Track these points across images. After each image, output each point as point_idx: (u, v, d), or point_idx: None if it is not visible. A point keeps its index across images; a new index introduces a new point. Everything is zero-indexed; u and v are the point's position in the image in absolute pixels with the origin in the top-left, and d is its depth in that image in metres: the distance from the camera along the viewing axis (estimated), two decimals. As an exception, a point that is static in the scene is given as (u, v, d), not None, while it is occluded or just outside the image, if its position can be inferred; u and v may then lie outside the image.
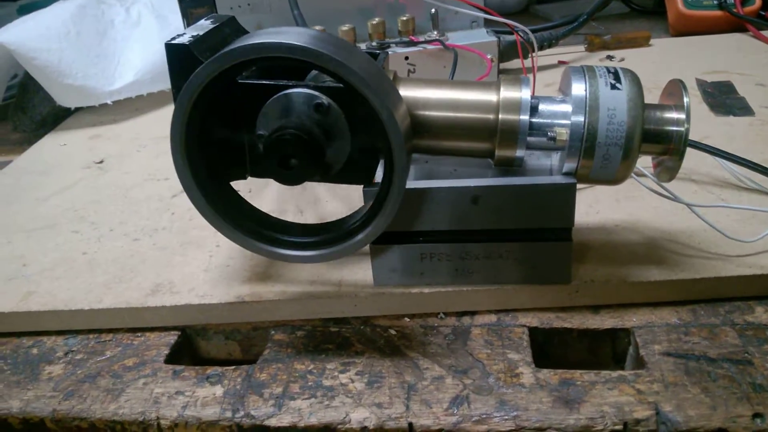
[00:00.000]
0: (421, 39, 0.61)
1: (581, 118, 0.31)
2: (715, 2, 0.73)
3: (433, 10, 0.62)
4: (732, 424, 0.28)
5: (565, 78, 0.34)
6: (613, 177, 0.33)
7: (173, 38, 0.33)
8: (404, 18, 0.61)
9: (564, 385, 0.31)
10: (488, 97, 0.33)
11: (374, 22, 0.61)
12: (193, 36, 0.33)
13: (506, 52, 0.64)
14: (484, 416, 0.30)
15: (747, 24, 0.71)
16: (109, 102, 0.64)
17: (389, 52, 0.59)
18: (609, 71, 0.32)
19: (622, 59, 0.67)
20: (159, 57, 0.66)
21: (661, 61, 0.66)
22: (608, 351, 0.36)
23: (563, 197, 0.33)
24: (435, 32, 0.62)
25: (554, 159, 0.35)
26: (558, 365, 0.33)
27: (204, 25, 0.35)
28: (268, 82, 0.32)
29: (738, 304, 0.35)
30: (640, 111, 0.31)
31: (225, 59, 0.29)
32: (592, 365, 0.35)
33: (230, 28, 0.36)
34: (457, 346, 0.34)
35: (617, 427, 0.29)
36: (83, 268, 0.41)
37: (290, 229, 0.34)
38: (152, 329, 0.38)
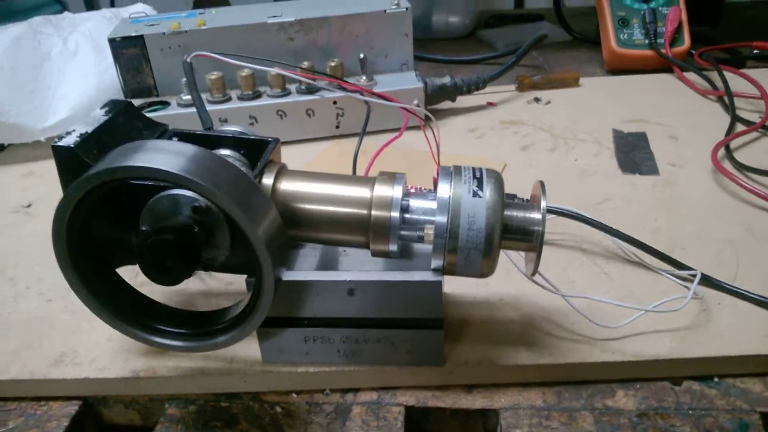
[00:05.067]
0: (350, 83, 0.63)
1: (444, 220, 0.33)
2: (646, 42, 0.75)
3: (361, 55, 0.63)
4: None
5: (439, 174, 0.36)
6: (478, 273, 0.35)
7: (61, 138, 0.34)
8: (333, 63, 0.63)
9: (424, 471, 0.34)
10: (362, 193, 0.35)
11: (304, 67, 0.62)
12: (80, 135, 0.34)
13: (434, 96, 0.66)
14: (347, 503, 0.32)
15: (674, 66, 0.73)
16: (42, 139, 0.64)
17: (319, 96, 0.61)
18: (474, 176, 0.34)
19: (548, 102, 0.69)
20: (93, 90, 0.67)
21: (585, 105, 0.68)
22: (480, 428, 0.38)
23: (431, 292, 0.35)
24: (364, 77, 0.64)
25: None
26: None
27: (96, 118, 0.36)
28: (151, 183, 0.33)
29: (601, 386, 0.38)
30: (499, 216, 0.33)
31: (89, 182, 0.30)
32: (464, 440, 0.38)
33: (124, 117, 0.37)
34: (336, 426, 0.36)
35: None
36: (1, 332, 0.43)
37: (172, 319, 0.36)
38: (56, 398, 0.39)
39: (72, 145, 0.33)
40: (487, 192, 0.34)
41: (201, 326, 0.35)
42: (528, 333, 0.39)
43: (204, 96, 0.62)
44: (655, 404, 0.36)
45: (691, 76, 0.71)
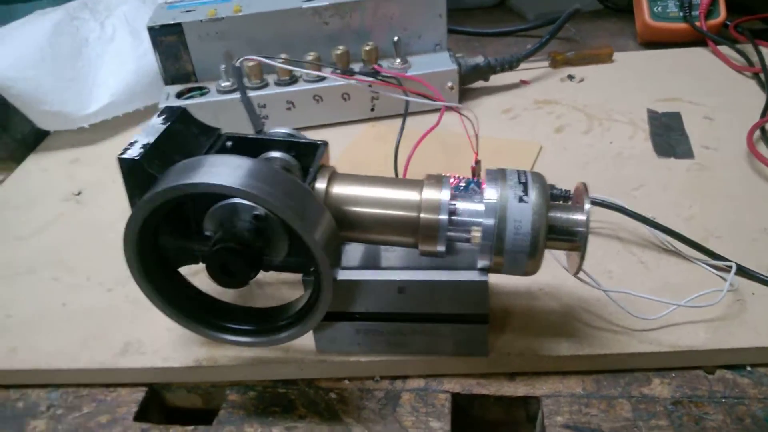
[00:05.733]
0: (384, 67, 0.64)
1: (492, 222, 0.35)
2: (681, 14, 0.74)
3: (396, 38, 0.63)
4: (606, 502, 0.34)
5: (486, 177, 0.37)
6: (522, 273, 0.36)
7: (125, 150, 0.36)
8: (368, 48, 0.63)
9: (472, 457, 0.36)
10: (411, 197, 0.37)
11: (338, 52, 0.63)
12: (143, 146, 0.36)
13: (467, 77, 0.66)
14: (402, 486, 0.35)
15: (708, 39, 0.72)
16: (86, 126, 0.66)
17: (354, 81, 0.62)
18: (520, 180, 0.36)
19: (582, 79, 0.69)
20: (133, 76, 0.69)
21: (619, 82, 0.68)
22: (522, 413, 0.40)
23: (478, 290, 0.37)
24: (398, 60, 0.64)
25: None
26: (477, 425, 0.38)
27: (155, 128, 0.38)
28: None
29: (638, 375, 0.40)
30: (544, 220, 0.35)
31: (155, 200, 0.32)
32: (508, 425, 0.40)
33: (181, 124, 0.39)
34: (387, 411, 0.39)
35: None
36: (62, 322, 0.45)
37: (234, 315, 0.38)
38: (123, 385, 0.42)
39: (137, 158, 0.35)
40: (533, 196, 0.35)
41: (263, 322, 0.37)
42: (568, 323, 0.41)
43: (244, 81, 0.64)
44: (689, 392, 0.38)
45: (725, 50, 0.71)
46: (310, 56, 0.63)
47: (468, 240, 0.36)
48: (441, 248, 0.37)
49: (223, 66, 0.62)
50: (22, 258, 0.52)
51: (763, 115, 0.59)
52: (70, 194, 0.60)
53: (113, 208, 0.57)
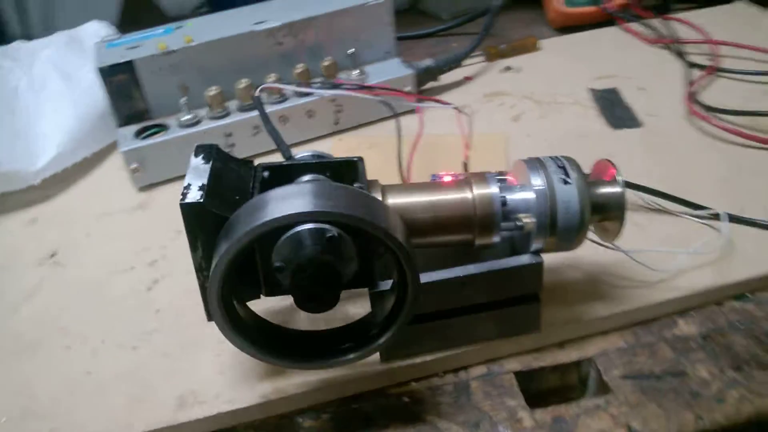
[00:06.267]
0: (343, 79, 0.65)
1: (544, 208, 0.38)
2: (589, -1, 0.81)
3: (352, 50, 0.65)
4: (683, 429, 0.38)
5: (519, 168, 0.41)
6: (571, 248, 0.40)
7: (184, 195, 0.35)
8: (327, 63, 0.64)
9: (557, 422, 0.39)
10: (465, 195, 0.39)
11: (299, 71, 0.64)
12: (201, 188, 0.35)
13: (422, 79, 0.69)
14: (503, 464, 0.37)
15: (618, 19, 0.80)
16: (36, 183, 0.62)
17: (317, 97, 0.63)
18: (558, 165, 0.39)
19: (520, 69, 0.75)
20: (75, 122, 0.65)
21: (552, 68, 0.74)
22: (575, 377, 0.44)
23: (535, 272, 0.40)
24: (356, 71, 0.66)
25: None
26: (537, 395, 0.41)
27: (201, 167, 0.37)
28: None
29: (664, 320, 0.45)
30: (587, 198, 0.39)
31: (240, 242, 0.32)
32: (563, 390, 0.44)
33: (220, 161, 0.39)
34: (463, 401, 0.41)
35: (604, 452, 0.38)
36: (95, 392, 0.43)
37: (317, 341, 0.38)
38: (187, 436, 0.41)
39: (202, 201, 0.35)
40: (574, 177, 0.39)
41: (347, 341, 0.38)
42: (596, 288, 0.46)
43: (203, 112, 0.63)
44: (712, 326, 0.44)
45: (635, 26, 0.79)
46: (270, 78, 0.63)
47: (521, 228, 0.39)
48: (497, 239, 0.39)
49: (184, 99, 0.61)
50: (20, 331, 0.48)
51: (685, 79, 0.67)
52: (45, 257, 0.56)
53: (95, 265, 0.54)
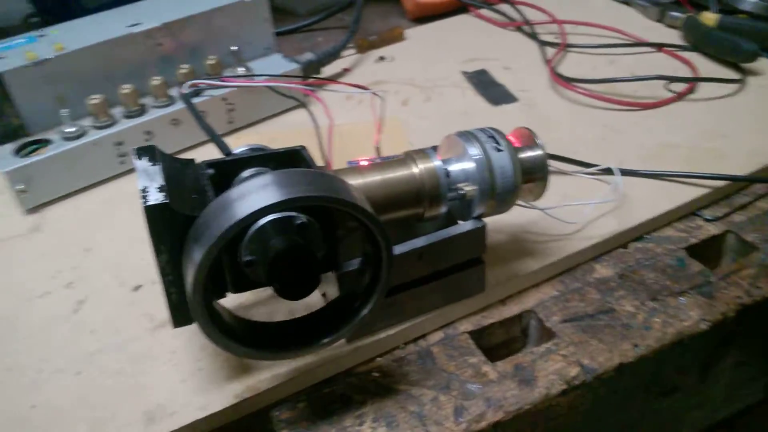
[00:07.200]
0: (232, 77, 0.64)
1: (484, 175, 0.41)
2: (442, -10, 0.87)
3: (235, 47, 0.64)
4: (625, 357, 0.43)
5: (452, 142, 0.43)
6: (506, 209, 0.44)
7: (145, 197, 0.33)
8: (212, 62, 0.63)
9: (518, 369, 0.43)
10: (411, 170, 0.41)
11: (184, 71, 0.62)
12: (159, 189, 0.34)
13: (307, 73, 0.70)
14: (481, 415, 0.40)
15: (469, 6, 0.87)
16: None
17: (208, 97, 0.61)
18: (488, 136, 0.43)
19: (393, 58, 0.78)
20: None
21: (423, 55, 0.79)
22: (518, 329, 0.48)
23: (480, 236, 0.43)
24: (241, 68, 0.65)
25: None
26: (487, 350, 0.44)
27: (149, 169, 0.35)
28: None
29: (584, 267, 0.50)
30: (518, 162, 0.42)
31: (219, 243, 0.31)
32: (509, 342, 0.47)
33: (166, 161, 0.37)
34: (429, 367, 0.43)
35: (563, 387, 0.42)
36: (49, 424, 0.39)
37: (294, 329, 0.38)
38: (158, 453, 0.39)
39: (168, 201, 0.33)
40: (504, 145, 0.42)
41: (331, 321, 0.38)
42: (522, 245, 0.50)
43: (88, 122, 0.58)
44: (623, 266, 0.50)
45: (486, 12, 0.86)
46: (156, 81, 0.60)
47: (463, 196, 0.42)
48: (444, 209, 0.42)
49: (65, 110, 0.56)
50: None
51: (542, 56, 0.74)
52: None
53: (9, 295, 0.49)
